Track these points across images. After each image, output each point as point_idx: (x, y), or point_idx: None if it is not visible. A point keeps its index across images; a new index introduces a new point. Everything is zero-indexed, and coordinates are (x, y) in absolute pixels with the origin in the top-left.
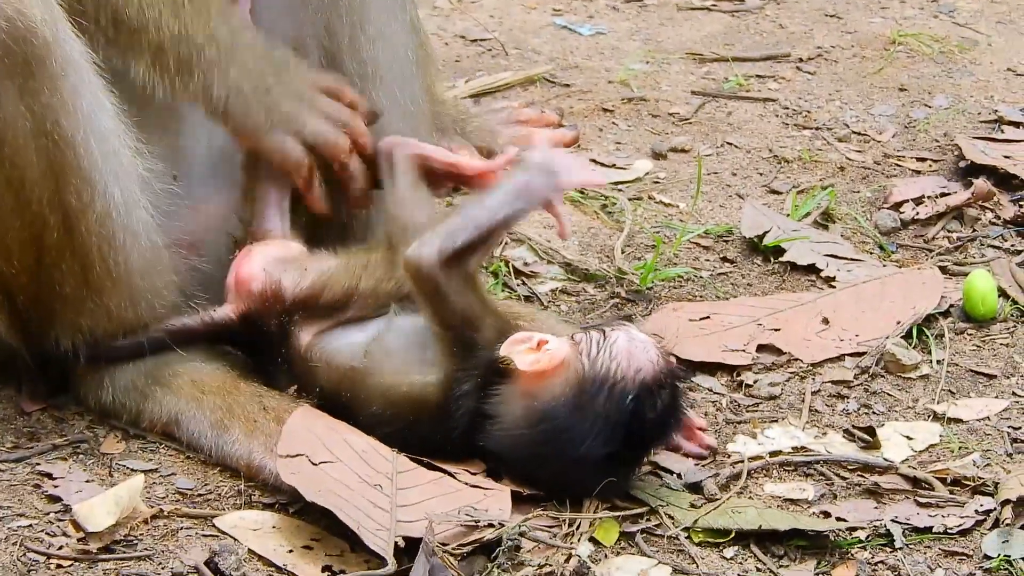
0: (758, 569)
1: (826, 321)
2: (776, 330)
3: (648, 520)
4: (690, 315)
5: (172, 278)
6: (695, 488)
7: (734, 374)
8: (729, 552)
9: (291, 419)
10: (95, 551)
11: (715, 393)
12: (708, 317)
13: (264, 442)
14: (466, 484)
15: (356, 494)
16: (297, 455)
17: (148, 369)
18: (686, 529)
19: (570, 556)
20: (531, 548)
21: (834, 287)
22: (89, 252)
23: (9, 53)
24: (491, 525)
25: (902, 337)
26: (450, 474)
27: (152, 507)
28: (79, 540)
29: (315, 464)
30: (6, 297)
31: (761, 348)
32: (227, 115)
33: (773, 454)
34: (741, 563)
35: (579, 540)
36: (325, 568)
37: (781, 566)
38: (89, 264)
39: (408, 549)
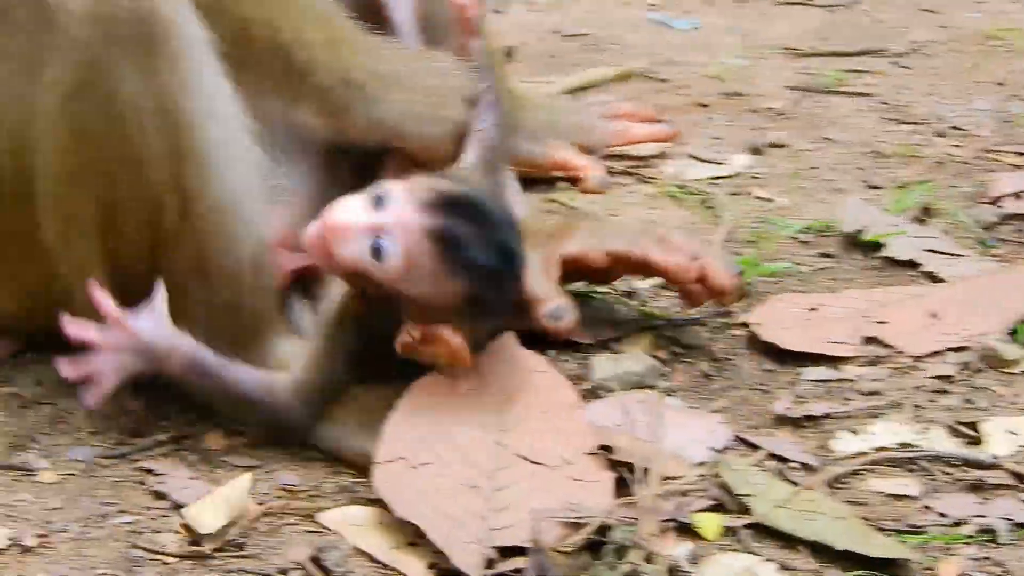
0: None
1: (934, 315)
2: (883, 323)
3: (747, 515)
4: (796, 307)
5: (275, 271)
6: (796, 482)
7: (838, 367)
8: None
9: (391, 418)
10: (200, 548)
11: (818, 385)
12: (815, 309)
13: (374, 432)
14: (568, 477)
15: (451, 500)
16: (396, 459)
17: (249, 361)
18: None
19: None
20: (634, 544)
21: (937, 282)
22: (204, 239)
23: (133, 33)
24: (595, 524)
25: (1008, 333)
26: (551, 466)
27: (260, 505)
28: (184, 537)
29: (414, 468)
30: (116, 285)
31: (866, 340)
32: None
33: (877, 450)
34: (848, 561)
35: (676, 533)
36: (432, 565)
37: None
38: (203, 252)
39: (504, 551)
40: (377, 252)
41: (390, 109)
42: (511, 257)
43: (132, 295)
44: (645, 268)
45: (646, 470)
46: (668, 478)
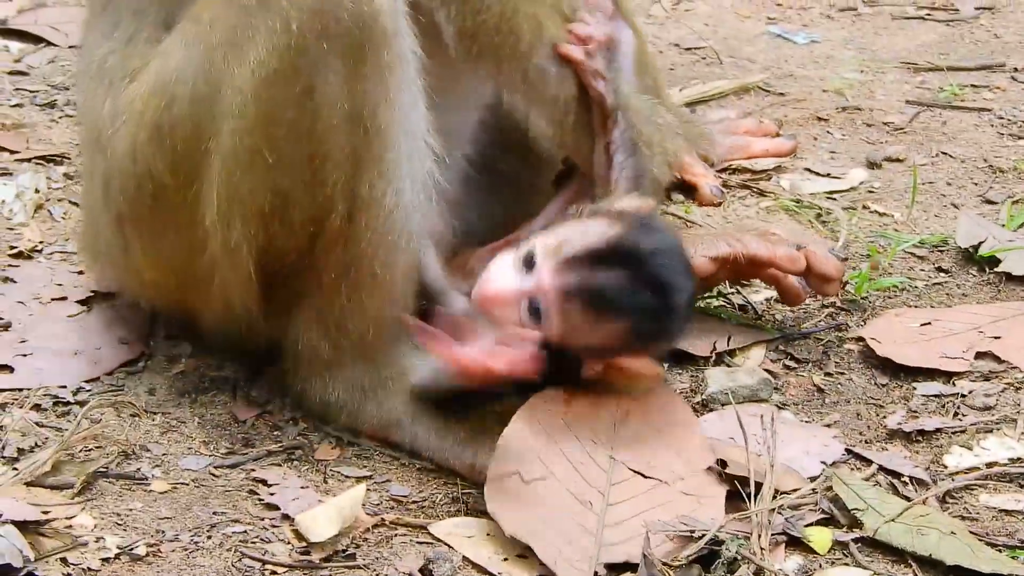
0: None
1: None
2: (997, 338)
3: (858, 529)
4: (911, 321)
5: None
6: (908, 497)
7: (951, 381)
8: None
9: (507, 432)
10: (312, 559)
11: (932, 400)
12: (929, 323)
13: (489, 442)
14: (681, 492)
15: (562, 516)
16: (510, 474)
17: (373, 368)
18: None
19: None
20: (744, 557)
21: None
22: (363, 246)
23: (348, 35)
24: (707, 537)
25: None
26: (664, 482)
27: (371, 515)
28: (296, 548)
29: (526, 482)
30: (264, 279)
31: (980, 355)
32: None
33: (989, 465)
34: None
35: (786, 547)
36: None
37: None
38: (360, 258)
39: (613, 568)
40: (535, 313)
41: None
42: (665, 288)
43: (271, 287)
44: (752, 265)
45: (759, 484)
46: (781, 492)
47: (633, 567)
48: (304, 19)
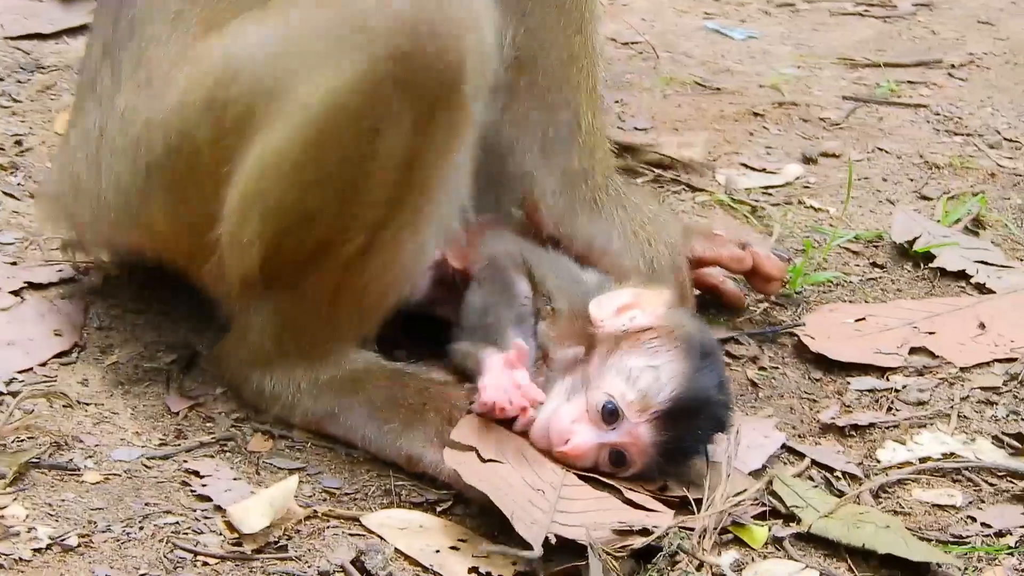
0: None
1: (983, 326)
2: (931, 333)
3: (795, 524)
4: (845, 316)
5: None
6: (841, 493)
7: (885, 376)
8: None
9: (467, 417)
10: (243, 550)
11: (865, 395)
12: (864, 319)
13: (425, 432)
14: (630, 503)
15: (517, 491)
16: (468, 448)
17: (315, 369)
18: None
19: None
20: (682, 554)
21: (987, 293)
22: (364, 278)
23: (430, 90)
24: (645, 531)
25: None
26: (618, 490)
27: (304, 507)
28: (228, 539)
29: (483, 460)
30: (259, 271)
31: (914, 351)
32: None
33: (922, 460)
34: (891, 570)
35: (723, 543)
36: (472, 569)
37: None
38: (354, 286)
39: (559, 549)
40: (618, 460)
41: (608, 230)
42: (723, 425)
43: (259, 276)
44: (699, 265)
45: (702, 482)
46: (722, 489)
47: (579, 549)
48: (391, 63)
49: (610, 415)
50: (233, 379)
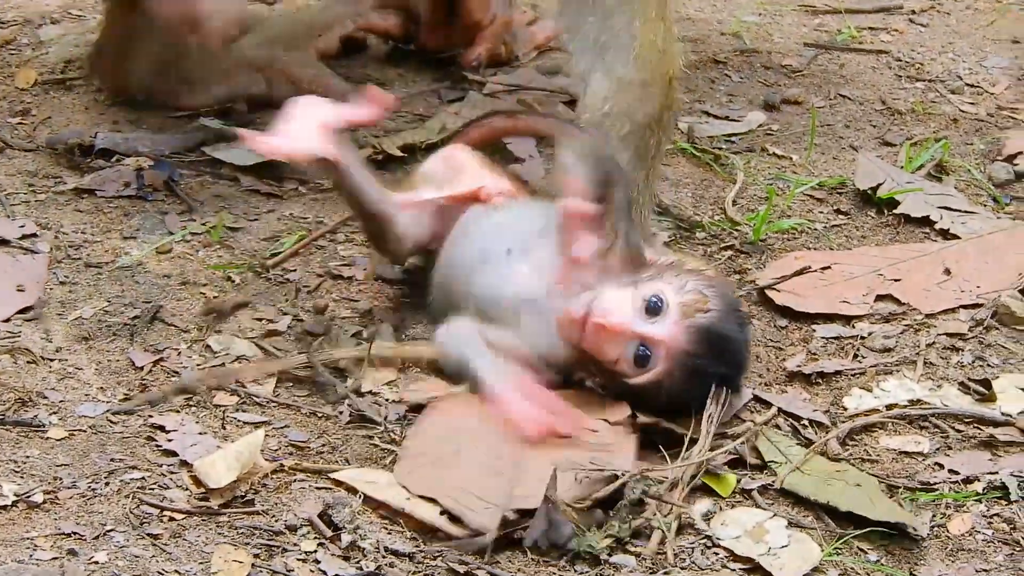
0: None
1: (948, 272)
2: (896, 280)
3: (764, 474)
4: (811, 264)
5: None
6: (808, 441)
7: (851, 324)
8: None
9: (422, 417)
10: (210, 505)
11: (831, 343)
12: (829, 267)
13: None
14: (590, 443)
15: (471, 483)
16: (419, 455)
17: None
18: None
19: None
20: (649, 501)
21: (951, 239)
22: None
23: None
24: (613, 478)
25: (1019, 290)
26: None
27: (270, 461)
28: (193, 494)
29: (435, 460)
30: None
31: (880, 298)
32: None
33: (889, 407)
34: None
35: (692, 493)
36: (444, 512)
37: None
38: None
39: (523, 514)
40: (641, 360)
41: None
42: (735, 379)
43: None
44: None
45: (670, 430)
46: (691, 438)
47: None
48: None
49: (653, 308)
50: None
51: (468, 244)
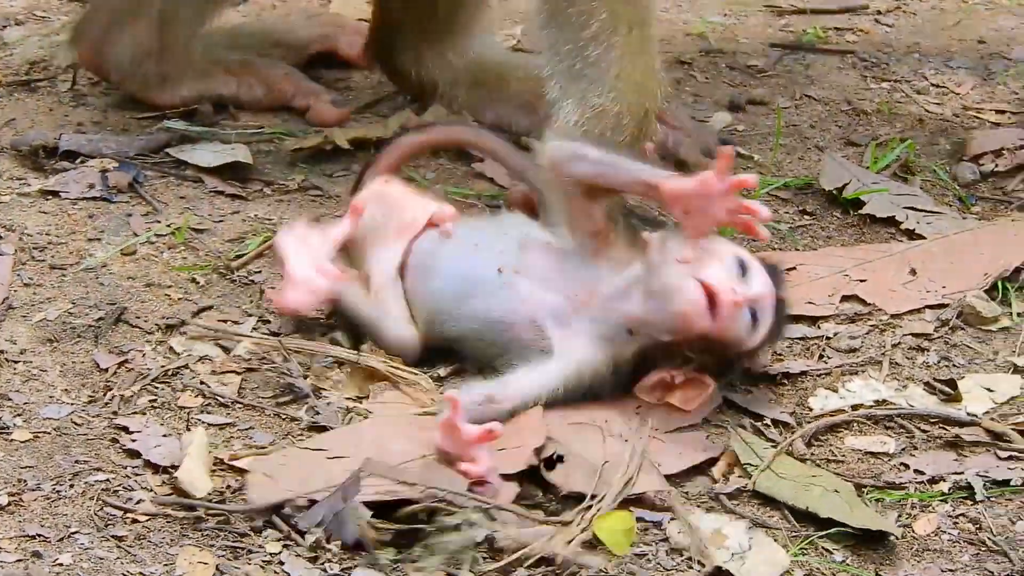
0: None
1: (914, 272)
2: (862, 281)
3: (738, 476)
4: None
5: None
6: (775, 442)
7: (816, 324)
8: None
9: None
10: (174, 508)
11: (796, 343)
12: (794, 268)
13: None
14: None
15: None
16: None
17: None
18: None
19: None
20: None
21: (916, 239)
22: None
23: None
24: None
25: (984, 290)
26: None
27: (234, 463)
28: (158, 496)
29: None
30: None
31: (845, 299)
32: None
33: (854, 407)
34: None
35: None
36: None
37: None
38: None
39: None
40: (754, 322)
41: None
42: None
43: None
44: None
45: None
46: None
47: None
48: None
49: (742, 267)
50: None
51: (440, 277)
